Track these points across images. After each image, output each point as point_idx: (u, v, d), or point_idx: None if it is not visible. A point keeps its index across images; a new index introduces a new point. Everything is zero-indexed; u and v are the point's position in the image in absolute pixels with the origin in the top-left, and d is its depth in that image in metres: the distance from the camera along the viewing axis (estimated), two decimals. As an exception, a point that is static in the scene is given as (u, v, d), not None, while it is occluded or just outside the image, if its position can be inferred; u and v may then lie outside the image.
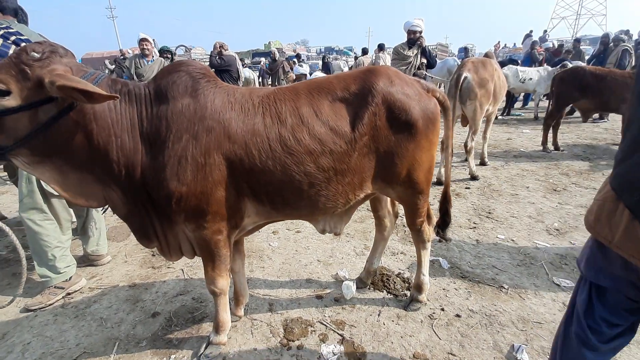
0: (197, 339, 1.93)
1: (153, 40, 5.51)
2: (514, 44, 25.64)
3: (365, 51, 11.37)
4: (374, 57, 10.68)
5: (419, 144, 1.63)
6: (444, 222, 2.03)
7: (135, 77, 5.15)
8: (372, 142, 1.57)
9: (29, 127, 1.22)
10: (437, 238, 2.10)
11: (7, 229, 1.16)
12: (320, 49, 40.41)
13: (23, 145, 1.24)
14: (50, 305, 2.24)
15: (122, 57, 12.12)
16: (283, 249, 2.88)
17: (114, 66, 9.45)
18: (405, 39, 4.94)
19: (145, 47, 5.23)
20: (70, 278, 2.36)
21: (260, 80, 11.96)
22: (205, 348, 1.82)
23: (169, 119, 1.38)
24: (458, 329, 1.95)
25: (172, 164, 1.37)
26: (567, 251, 2.68)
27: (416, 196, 1.78)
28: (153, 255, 2.84)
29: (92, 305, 2.26)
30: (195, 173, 1.39)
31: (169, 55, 6.60)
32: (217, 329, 1.82)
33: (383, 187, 1.74)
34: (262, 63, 13.29)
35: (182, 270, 2.59)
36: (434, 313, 2.07)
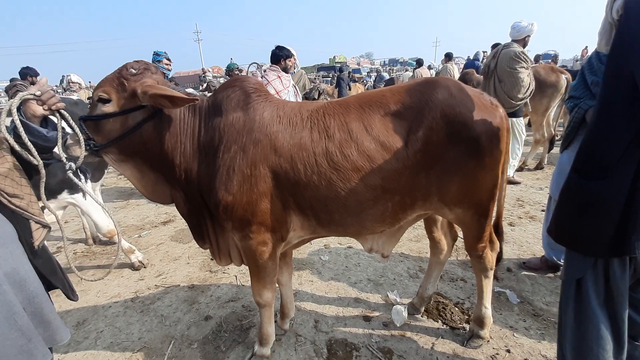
0: (242, 348, 1.96)
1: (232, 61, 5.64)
2: (611, 47, 22.28)
3: (420, 63, 9.47)
4: (439, 68, 9.93)
5: (481, 162, 1.47)
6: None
7: None
8: (427, 160, 1.45)
9: (119, 130, 1.42)
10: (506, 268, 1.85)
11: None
12: (384, 61, 40.13)
13: (113, 145, 1.44)
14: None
15: (203, 75, 13.44)
16: (333, 263, 2.82)
17: (205, 83, 9.93)
18: (514, 46, 3.78)
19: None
20: None
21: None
22: (250, 359, 1.83)
23: (221, 130, 1.46)
24: (527, 377, 1.67)
25: (221, 174, 1.44)
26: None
27: (477, 219, 1.60)
28: (211, 259, 3.01)
29: (156, 302, 2.46)
30: (241, 183, 1.43)
31: (237, 73, 6.91)
32: (261, 341, 1.83)
33: (439, 208, 1.60)
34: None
35: (236, 276, 2.69)
36: (497, 354, 1.82)
